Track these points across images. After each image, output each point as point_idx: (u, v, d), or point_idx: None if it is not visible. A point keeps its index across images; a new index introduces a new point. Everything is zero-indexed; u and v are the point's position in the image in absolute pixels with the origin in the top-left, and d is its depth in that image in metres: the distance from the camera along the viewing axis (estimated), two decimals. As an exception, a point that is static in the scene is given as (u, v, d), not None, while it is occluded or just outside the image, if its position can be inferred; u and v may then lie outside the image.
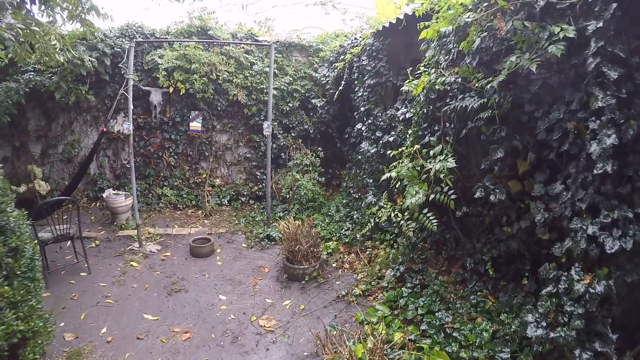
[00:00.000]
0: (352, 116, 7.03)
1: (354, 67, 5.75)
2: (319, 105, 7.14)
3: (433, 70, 3.77)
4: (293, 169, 7.02)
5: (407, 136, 4.12)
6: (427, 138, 3.93)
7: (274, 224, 6.27)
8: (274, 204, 7.05)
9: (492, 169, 3.47)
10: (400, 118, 4.53)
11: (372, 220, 4.46)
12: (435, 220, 3.64)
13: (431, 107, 3.90)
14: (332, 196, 7.38)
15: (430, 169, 3.56)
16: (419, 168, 3.79)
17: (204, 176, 7.63)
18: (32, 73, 6.88)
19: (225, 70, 7.04)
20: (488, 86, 2.95)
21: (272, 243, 5.73)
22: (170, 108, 7.57)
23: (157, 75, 6.85)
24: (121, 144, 7.76)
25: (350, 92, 6.32)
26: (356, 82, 5.70)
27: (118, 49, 7.10)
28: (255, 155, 7.75)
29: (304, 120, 7.62)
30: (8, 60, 5.60)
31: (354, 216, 5.79)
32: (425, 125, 4.01)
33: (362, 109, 5.36)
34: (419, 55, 5.58)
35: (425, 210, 3.70)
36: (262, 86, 7.20)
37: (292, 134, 7.59)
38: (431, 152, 3.74)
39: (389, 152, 4.28)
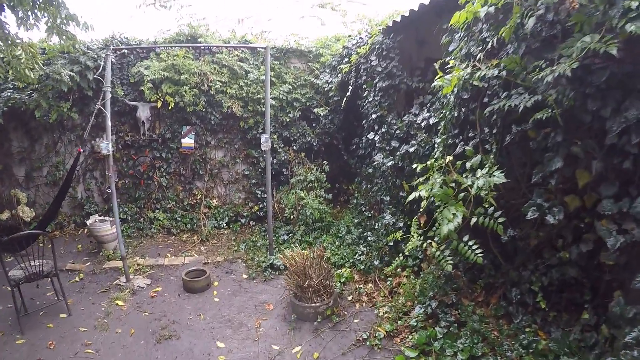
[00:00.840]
0: (359, 125, 6.39)
1: (361, 70, 5.12)
2: (322, 114, 6.51)
3: (464, 65, 3.11)
4: (296, 186, 6.35)
5: (435, 146, 3.46)
6: (459, 147, 3.26)
7: (277, 249, 5.57)
8: (276, 225, 6.36)
9: (545, 182, 2.81)
10: (422, 125, 3.87)
11: (400, 255, 3.76)
12: (480, 251, 2.94)
13: (463, 110, 3.24)
14: (340, 214, 6.68)
15: (470, 185, 2.89)
16: (453, 184, 3.11)
17: (199, 197, 6.95)
18: (11, 90, 6.29)
19: (217, 80, 6.42)
20: (548, 78, 2.28)
21: (277, 273, 5.01)
22: (160, 124, 6.93)
23: (143, 89, 6.22)
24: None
25: (357, 98, 5.68)
26: (365, 86, 5.06)
27: (102, 62, 6.49)
28: (254, 172, 7.08)
29: (306, 131, 6.97)
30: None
31: (369, 238, 5.09)
32: (456, 131, 3.35)
33: (374, 116, 4.70)
34: (435, 53, 4.95)
35: (465, 238, 3.01)
36: (258, 96, 6.57)
37: (294, 148, 6.94)
38: (468, 165, 3.07)
39: (412, 165, 3.61)
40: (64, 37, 5.25)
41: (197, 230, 6.57)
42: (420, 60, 5.06)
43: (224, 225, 6.75)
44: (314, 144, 6.92)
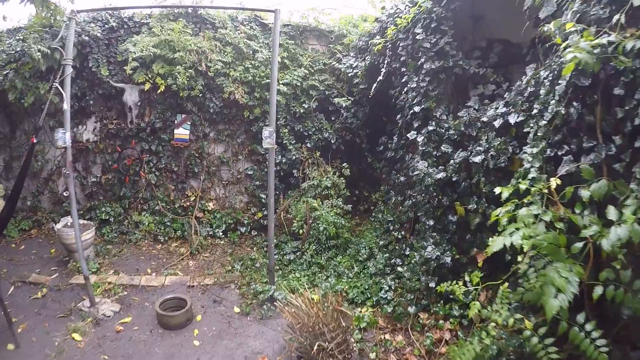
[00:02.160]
0: (389, 121, 5.18)
1: (399, 48, 3.89)
2: (343, 105, 5.31)
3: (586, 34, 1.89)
4: (308, 192, 5.19)
5: (526, 158, 2.24)
6: (566, 163, 2.05)
7: (280, 273, 4.45)
8: (282, 239, 5.22)
9: None
10: (497, 125, 2.66)
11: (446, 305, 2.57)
12: (605, 342, 1.74)
13: (575, 106, 2.02)
14: (359, 228, 5.51)
15: (596, 235, 1.69)
16: (561, 226, 1.91)
17: (192, 199, 5.85)
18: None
19: (218, 60, 5.27)
20: None
21: (277, 308, 3.88)
22: (151, 111, 5.85)
23: (126, 68, 5.13)
24: (93, 156, 6.07)
25: (390, 86, 4.47)
26: (403, 69, 3.84)
27: (87, 37, 5.46)
28: (259, 172, 5.94)
29: (324, 126, 5.78)
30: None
31: (398, 268, 3.91)
32: (558, 137, 2.14)
33: (416, 109, 3.46)
34: (497, 31, 3.73)
35: (580, 317, 1.82)
36: (267, 81, 5.39)
37: (308, 145, 5.76)
38: (584, 194, 1.87)
39: (473, 179, 2.41)
40: (43, 7, 4.33)
41: (188, 239, 5.49)
42: (479, 40, 3.82)
43: (220, 234, 5.65)
44: (332, 141, 5.73)
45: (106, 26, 5.62)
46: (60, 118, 5.97)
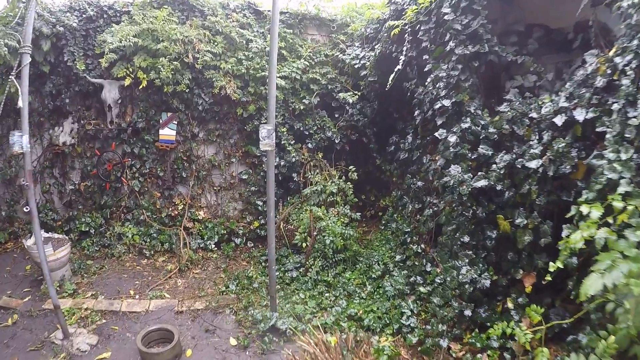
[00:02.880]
0: (400, 117, 4.63)
1: (420, 32, 3.32)
2: (349, 101, 4.74)
3: None
4: (311, 198, 4.62)
5: (604, 164, 1.70)
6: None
7: (282, 294, 3.88)
8: (282, 253, 4.65)
9: None
10: (559, 123, 2.11)
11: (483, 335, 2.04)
12: None
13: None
14: (368, 237, 4.96)
15: None
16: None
17: (181, 207, 5.26)
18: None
19: (207, 51, 4.67)
20: None
21: (281, 341, 3.31)
22: (133, 109, 5.24)
23: (101, 61, 4.52)
24: (71, 161, 5.44)
25: (404, 78, 3.90)
26: (426, 57, 3.27)
27: (62, 28, 4.84)
28: (254, 177, 5.35)
29: (326, 124, 5.21)
30: None
31: (420, 289, 3.37)
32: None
33: (445, 102, 2.87)
34: (529, 16, 3.21)
35: None
36: (263, 74, 4.82)
37: (309, 145, 5.19)
38: None
39: (521, 189, 1.88)
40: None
41: (176, 253, 4.90)
42: (513, 24, 3.27)
43: (213, 246, 5.06)
44: (336, 141, 5.16)
45: (83, 16, 5.00)
46: (33, 119, 5.36)
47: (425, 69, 3.21)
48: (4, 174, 5.44)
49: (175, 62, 4.58)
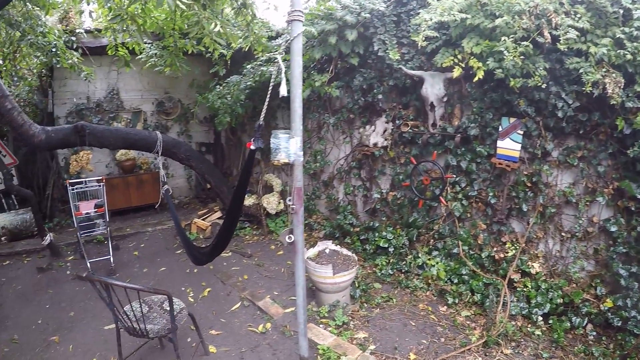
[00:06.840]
0: None
1: None
2: None
3: None
4: None
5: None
6: None
7: None
8: None
9: None
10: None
11: None
12: None
13: None
14: None
15: None
16: None
17: (510, 250, 3.68)
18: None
19: (569, 26, 2.81)
20: None
21: None
22: (462, 109, 4.06)
23: (416, 40, 3.48)
24: (381, 165, 4.93)
25: None
26: None
27: (368, 14, 4.46)
28: (625, 230, 3.08)
29: None
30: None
31: None
32: None
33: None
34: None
35: None
36: None
37: None
38: None
39: None
40: None
41: (488, 313, 3.41)
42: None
43: (539, 317, 3.26)
44: None
45: (391, 0, 4.28)
46: (341, 116, 5.15)
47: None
48: (308, 168, 5.57)
49: (524, 44, 2.98)
